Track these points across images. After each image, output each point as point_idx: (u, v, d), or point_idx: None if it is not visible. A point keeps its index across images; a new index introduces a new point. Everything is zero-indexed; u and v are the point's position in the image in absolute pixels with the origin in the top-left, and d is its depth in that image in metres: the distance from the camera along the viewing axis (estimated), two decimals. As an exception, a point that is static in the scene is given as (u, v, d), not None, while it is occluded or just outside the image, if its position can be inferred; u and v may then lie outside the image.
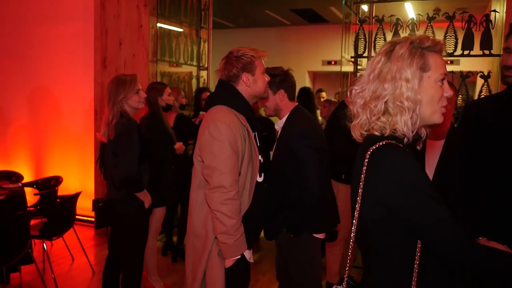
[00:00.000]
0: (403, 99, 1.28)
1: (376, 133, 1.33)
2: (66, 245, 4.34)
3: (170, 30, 5.35)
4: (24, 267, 3.96)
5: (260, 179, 2.25)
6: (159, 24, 5.08)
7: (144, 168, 2.91)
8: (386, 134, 1.32)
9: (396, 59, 1.30)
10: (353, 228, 1.36)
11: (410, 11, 5.74)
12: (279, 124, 2.59)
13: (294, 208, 2.43)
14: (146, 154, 2.91)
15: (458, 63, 6.12)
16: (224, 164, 2.01)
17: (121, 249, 2.96)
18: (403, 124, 1.30)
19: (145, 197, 2.92)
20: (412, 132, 1.32)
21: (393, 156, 1.26)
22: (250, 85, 2.18)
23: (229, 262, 2.10)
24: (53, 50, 5.72)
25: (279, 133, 2.60)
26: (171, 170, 3.77)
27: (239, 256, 2.10)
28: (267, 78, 2.25)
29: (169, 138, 3.74)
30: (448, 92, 1.34)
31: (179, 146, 3.87)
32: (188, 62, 5.73)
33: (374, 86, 1.33)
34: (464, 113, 2.15)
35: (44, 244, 3.90)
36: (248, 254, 2.19)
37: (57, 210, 3.85)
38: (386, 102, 1.31)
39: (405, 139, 1.32)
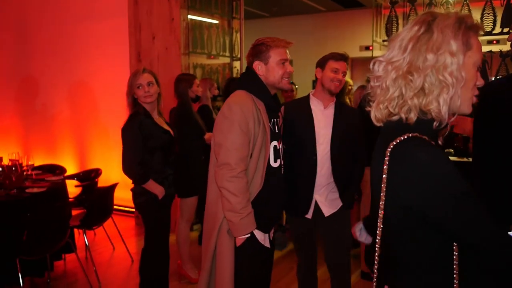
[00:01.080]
0: (446, 74, 1.14)
1: (402, 116, 1.17)
2: (107, 235, 4.51)
3: (201, 21, 5.40)
4: (67, 256, 4.16)
5: (275, 165, 2.28)
6: (190, 16, 5.13)
7: (157, 161, 2.96)
8: (412, 120, 1.17)
9: (441, 29, 1.16)
10: (378, 231, 1.24)
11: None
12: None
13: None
14: (155, 147, 2.94)
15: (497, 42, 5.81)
16: (231, 142, 2.07)
17: (146, 238, 3.04)
18: (442, 103, 1.14)
19: (155, 189, 2.92)
20: (449, 115, 1.18)
21: (418, 153, 1.12)
22: (262, 73, 2.23)
23: (238, 241, 2.14)
24: (91, 47, 5.93)
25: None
26: (200, 161, 3.83)
27: (248, 235, 2.13)
28: (288, 69, 2.25)
29: (199, 129, 3.78)
30: (480, 81, 1.22)
31: (209, 136, 3.90)
32: (221, 53, 5.77)
33: (412, 57, 1.17)
34: (480, 101, 1.80)
35: (85, 233, 4.08)
36: (260, 235, 2.21)
37: (95, 200, 4.00)
38: (425, 76, 1.15)
39: (436, 123, 1.17)
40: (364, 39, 8.90)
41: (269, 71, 2.22)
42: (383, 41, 4.40)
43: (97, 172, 4.88)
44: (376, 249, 1.27)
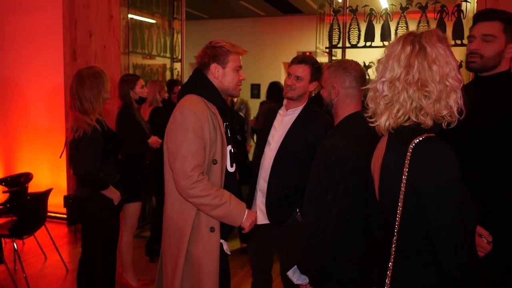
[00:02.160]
0: (450, 79, 1.34)
1: (421, 121, 1.35)
2: (38, 244, 4.23)
3: (142, 21, 5.24)
4: (-6, 267, 3.84)
5: (232, 169, 2.22)
6: (130, 15, 4.95)
7: (109, 165, 2.85)
8: (429, 125, 1.35)
9: (433, 44, 1.36)
10: (396, 224, 1.38)
11: (383, 1, 5.76)
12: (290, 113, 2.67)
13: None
14: (111, 150, 2.84)
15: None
16: (186, 149, 1.98)
17: (92, 247, 2.88)
18: (453, 105, 1.34)
19: (113, 194, 2.85)
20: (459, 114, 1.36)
21: (441, 151, 1.30)
22: (218, 77, 2.15)
23: (247, 227, 2.08)
24: (20, 42, 5.52)
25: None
26: (144, 165, 3.69)
27: (253, 219, 2.09)
28: (242, 77, 2.21)
29: (141, 132, 3.64)
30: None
31: (153, 140, 3.76)
32: (161, 54, 5.63)
33: (420, 72, 1.35)
34: None
35: (15, 243, 3.79)
36: (225, 245, 2.17)
37: (27, 207, 3.72)
38: (435, 86, 1.34)
39: (445, 123, 1.37)
40: (302, 44, 9.12)
41: (226, 76, 2.15)
42: (326, 48, 4.51)
43: (27, 177, 4.55)
44: (395, 232, 1.40)
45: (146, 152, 3.74)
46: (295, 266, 1.91)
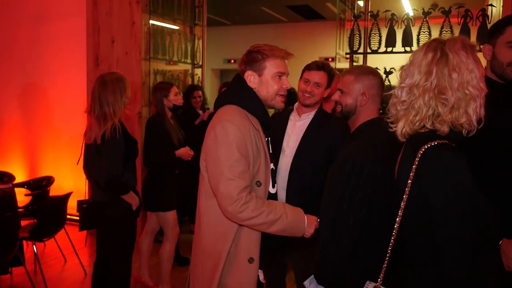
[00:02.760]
0: (470, 87, 1.32)
1: (437, 129, 1.34)
2: (58, 246, 4.28)
3: (163, 27, 5.28)
4: (15, 269, 3.90)
5: (273, 191, 1.96)
6: (151, 21, 5.01)
7: (129, 170, 2.86)
8: (445, 132, 1.34)
9: (455, 51, 1.34)
10: (395, 226, 1.40)
11: (407, 6, 5.67)
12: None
13: None
14: (131, 156, 2.85)
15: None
16: (231, 170, 1.73)
17: (108, 251, 2.89)
18: (472, 113, 1.32)
19: (132, 199, 2.86)
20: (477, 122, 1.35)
21: (449, 156, 1.29)
22: (254, 86, 1.89)
23: (310, 234, 1.84)
24: (45, 49, 5.66)
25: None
26: (171, 174, 3.63)
27: (315, 223, 1.85)
28: (285, 84, 1.92)
29: (168, 141, 3.55)
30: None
31: (183, 152, 3.62)
32: (182, 60, 5.67)
33: (438, 79, 1.34)
34: None
35: (35, 245, 3.85)
36: (261, 276, 1.98)
37: (47, 210, 3.78)
38: (454, 93, 1.32)
39: (465, 131, 1.35)
40: (324, 50, 9.05)
41: (263, 84, 1.88)
42: (346, 53, 4.45)
43: (49, 180, 4.64)
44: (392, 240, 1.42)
45: (175, 161, 3.62)
46: (312, 276, 1.87)
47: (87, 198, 3.46)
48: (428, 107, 1.34)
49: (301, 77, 2.61)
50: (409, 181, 1.34)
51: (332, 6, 7.47)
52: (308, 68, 2.58)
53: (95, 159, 2.80)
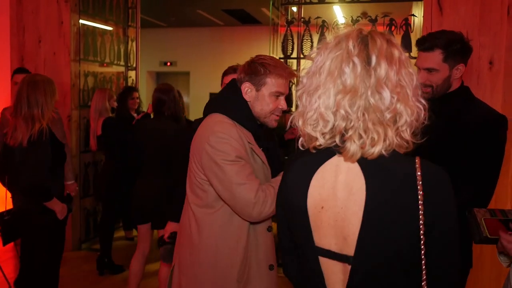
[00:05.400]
0: (418, 85, 1.09)
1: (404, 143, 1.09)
2: (-21, 259, 4.01)
3: (94, 27, 5.11)
4: None
5: None
6: (81, 21, 4.83)
7: (55, 176, 2.74)
8: (410, 147, 1.10)
9: (391, 43, 1.09)
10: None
11: (339, 14, 5.89)
12: None
13: None
14: (58, 161, 2.74)
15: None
16: (239, 177, 1.68)
17: (37, 263, 2.75)
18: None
19: (56, 206, 2.72)
20: None
21: (446, 176, 1.08)
22: (250, 99, 1.82)
23: None
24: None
25: None
26: None
27: None
28: (281, 105, 1.83)
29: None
30: None
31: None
32: (116, 62, 5.51)
33: (389, 76, 1.04)
34: None
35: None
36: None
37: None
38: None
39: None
40: (260, 54, 9.20)
41: (258, 100, 1.81)
42: (280, 58, 4.55)
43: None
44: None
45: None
46: None
47: (7, 208, 3.24)
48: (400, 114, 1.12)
49: (221, 84, 2.66)
50: (421, 212, 1.12)
51: (267, 11, 7.59)
52: (225, 73, 2.67)
53: (16, 163, 2.65)
